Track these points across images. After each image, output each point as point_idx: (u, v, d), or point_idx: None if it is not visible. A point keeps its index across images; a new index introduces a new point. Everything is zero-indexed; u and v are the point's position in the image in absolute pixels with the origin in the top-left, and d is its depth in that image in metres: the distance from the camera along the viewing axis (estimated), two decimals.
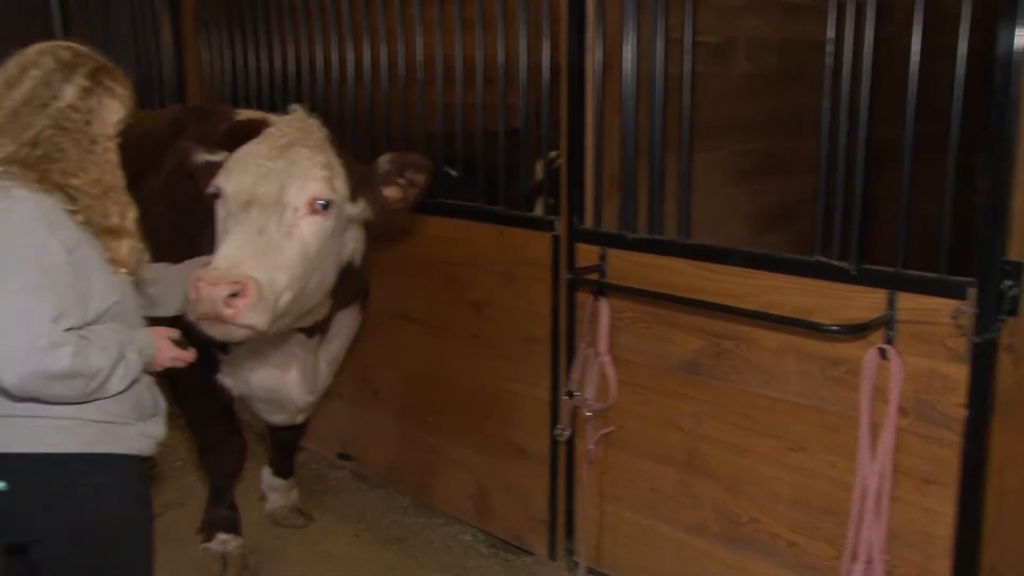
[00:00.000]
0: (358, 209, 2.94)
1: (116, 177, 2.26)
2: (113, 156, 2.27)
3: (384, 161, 2.98)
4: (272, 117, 3.31)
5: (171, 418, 3.28)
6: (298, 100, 4.31)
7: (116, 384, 2.17)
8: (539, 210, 3.65)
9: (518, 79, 3.43)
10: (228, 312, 2.40)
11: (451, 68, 3.65)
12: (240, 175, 2.74)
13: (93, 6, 5.63)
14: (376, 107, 4.01)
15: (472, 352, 3.71)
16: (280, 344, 3.18)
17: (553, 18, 3.28)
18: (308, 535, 3.93)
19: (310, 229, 2.72)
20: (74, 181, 2.17)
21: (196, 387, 3.35)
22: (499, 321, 3.59)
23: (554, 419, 3.46)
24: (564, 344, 3.39)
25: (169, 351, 2.36)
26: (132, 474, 2.34)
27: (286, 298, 2.61)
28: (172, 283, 2.67)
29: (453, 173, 3.80)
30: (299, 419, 3.56)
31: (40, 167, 2.13)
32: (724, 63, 3.78)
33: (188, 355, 2.41)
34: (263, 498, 4.06)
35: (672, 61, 3.04)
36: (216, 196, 2.79)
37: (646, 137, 3.11)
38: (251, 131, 3.11)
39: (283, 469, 3.99)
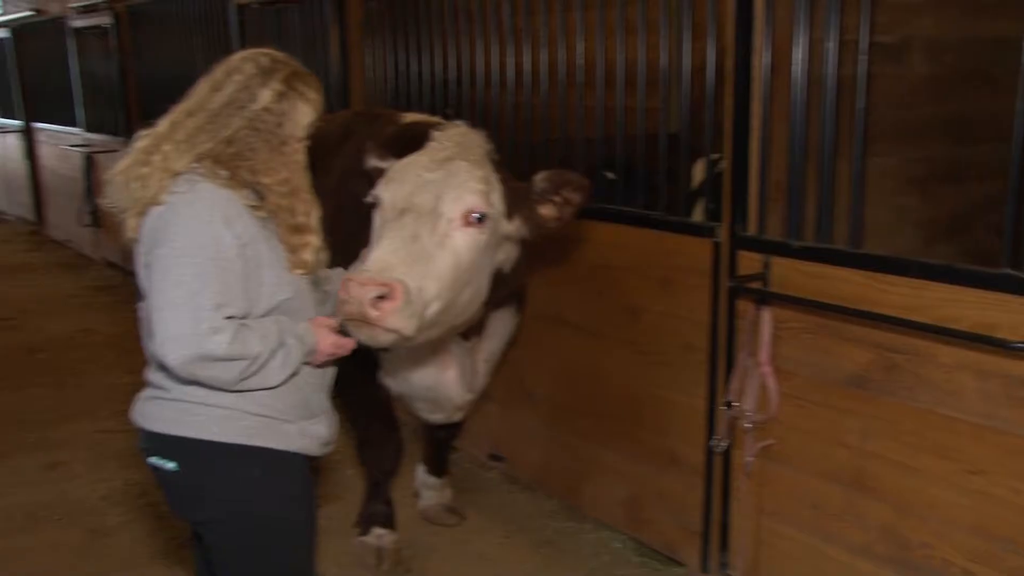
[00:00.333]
0: (513, 227, 2.94)
1: (303, 178, 2.38)
2: (301, 157, 2.38)
3: (540, 179, 2.95)
4: (435, 120, 3.38)
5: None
6: (458, 104, 4.43)
7: (276, 372, 2.24)
8: (698, 215, 3.59)
9: (680, 82, 3.38)
10: (374, 314, 2.41)
11: (612, 71, 3.64)
12: (398, 184, 2.78)
13: (267, 19, 5.91)
14: (535, 111, 4.05)
15: (627, 358, 3.68)
16: (439, 344, 3.23)
17: (719, 19, 3.22)
18: (459, 534, 4.00)
19: (463, 241, 2.72)
20: (264, 180, 2.29)
21: (357, 384, 3.44)
22: (656, 327, 3.55)
23: (710, 429, 3.39)
24: (723, 353, 3.31)
25: (329, 338, 2.39)
26: (290, 471, 2.40)
27: (435, 308, 2.62)
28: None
29: (611, 177, 3.78)
30: (456, 418, 3.61)
31: (232, 164, 2.26)
32: (898, 64, 3.61)
33: (349, 342, 2.43)
34: (417, 495, 4.15)
35: (842, 62, 2.93)
36: (374, 205, 2.84)
37: (816, 142, 3.01)
38: (413, 134, 3.17)
39: (437, 467, 4.07)
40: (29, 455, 4.81)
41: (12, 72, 11.12)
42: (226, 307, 2.14)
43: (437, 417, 3.59)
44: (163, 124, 2.32)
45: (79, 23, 8.86)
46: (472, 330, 3.27)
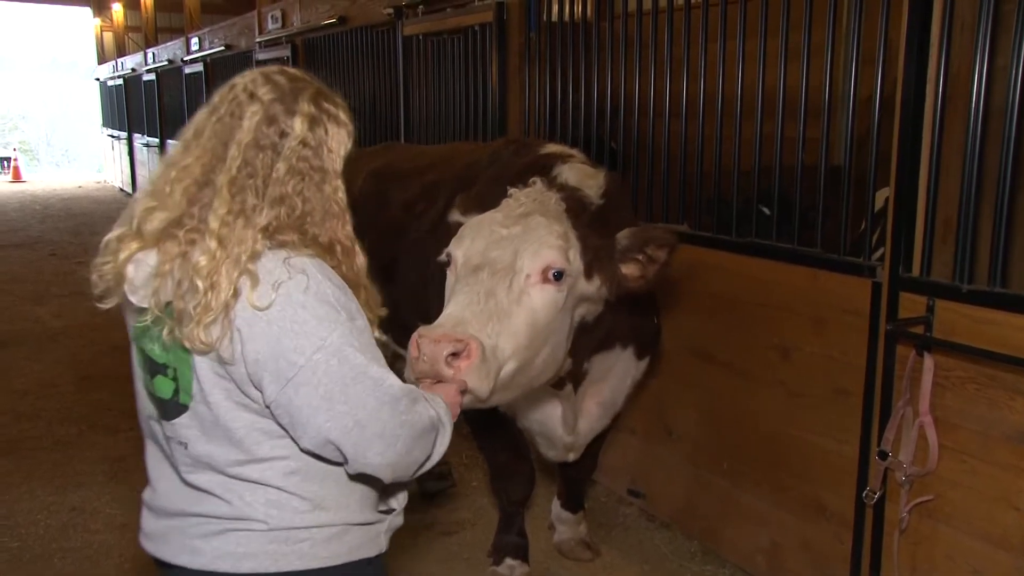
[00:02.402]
0: (593, 287, 2.78)
1: (350, 221, 1.95)
2: (344, 196, 1.93)
3: (623, 236, 2.80)
4: (570, 152, 3.35)
5: (468, 440, 3.25)
6: (613, 134, 4.42)
7: (443, 444, 1.95)
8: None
9: (843, 111, 3.24)
10: (448, 372, 2.27)
11: (771, 101, 3.53)
12: (472, 240, 2.68)
13: (430, 49, 6.10)
14: (690, 141, 3.97)
15: (775, 399, 3.52)
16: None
17: (890, 46, 3.06)
18: (593, 570, 3.91)
19: (541, 298, 2.59)
20: (330, 234, 1.89)
21: (483, 417, 3.43)
22: (807, 369, 3.38)
23: (861, 479, 3.18)
24: (878, 400, 3.12)
25: (452, 394, 2.18)
26: None
27: (510, 368, 2.48)
28: None
29: (767, 212, 3.65)
30: (570, 458, 3.49)
31: (299, 225, 1.83)
32: None
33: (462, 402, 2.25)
34: (552, 528, 4.10)
35: None
36: (447, 263, 2.74)
37: (993, 177, 2.80)
38: (545, 166, 3.13)
39: (570, 503, 4.01)
40: None
41: (204, 102, 11.93)
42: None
43: (552, 454, 3.51)
44: (177, 192, 1.81)
45: (262, 56, 9.42)
46: (566, 379, 3.09)
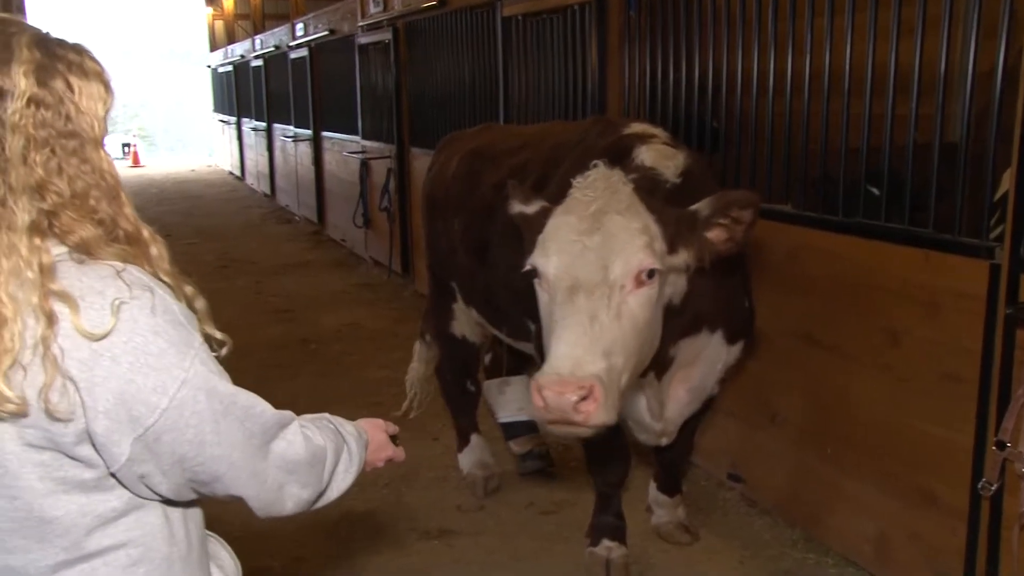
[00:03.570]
0: (680, 259, 2.74)
1: (130, 201, 1.50)
2: (116, 171, 1.48)
3: (703, 206, 2.75)
4: (653, 132, 3.28)
5: None
6: (715, 111, 4.33)
7: (340, 479, 1.70)
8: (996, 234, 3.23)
9: (961, 87, 3.09)
10: (579, 418, 2.37)
11: (882, 76, 3.39)
12: (558, 255, 2.63)
13: (528, 30, 6.08)
14: (795, 119, 3.85)
15: (884, 384, 3.40)
16: None
17: (1015, 16, 2.90)
18: (691, 554, 3.87)
19: (638, 302, 2.61)
20: (128, 221, 1.47)
21: None
22: (918, 354, 3.26)
23: (976, 470, 3.05)
24: (996, 387, 2.98)
25: (386, 449, 1.91)
26: None
27: (626, 378, 2.58)
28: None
29: (875, 192, 3.52)
30: (663, 443, 3.48)
31: (88, 214, 1.41)
32: None
33: (400, 455, 1.99)
34: (649, 510, 4.08)
35: None
36: (534, 275, 2.72)
37: None
38: (626, 147, 3.10)
39: (667, 486, 3.98)
40: None
41: (308, 86, 12.23)
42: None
43: (644, 438, 3.50)
44: None
45: (364, 40, 9.56)
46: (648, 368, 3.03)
